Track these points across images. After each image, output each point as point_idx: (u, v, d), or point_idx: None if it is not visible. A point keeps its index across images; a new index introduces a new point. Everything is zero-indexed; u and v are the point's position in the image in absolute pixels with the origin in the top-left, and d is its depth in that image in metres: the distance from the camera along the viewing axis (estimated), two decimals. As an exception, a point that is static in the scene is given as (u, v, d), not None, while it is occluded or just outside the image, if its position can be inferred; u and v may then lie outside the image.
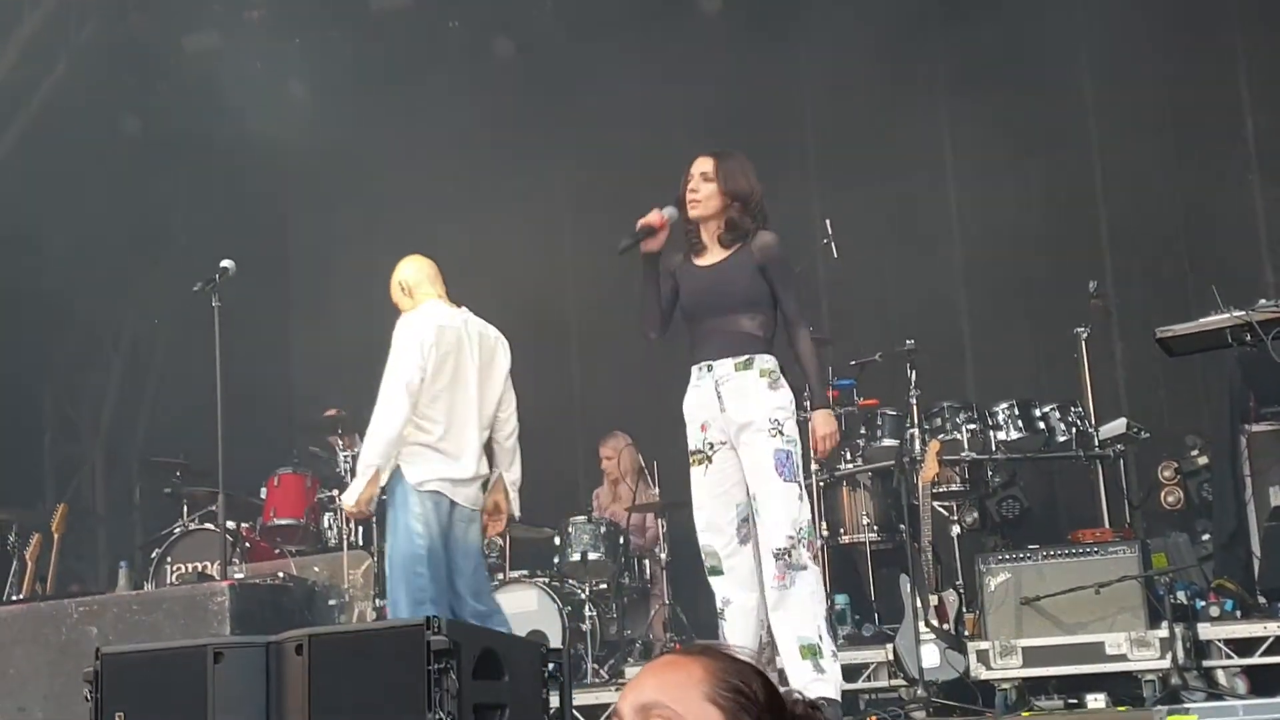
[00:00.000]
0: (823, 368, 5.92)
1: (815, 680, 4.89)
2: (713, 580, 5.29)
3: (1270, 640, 6.17)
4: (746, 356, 5.20)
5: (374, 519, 8.34)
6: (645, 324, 5.42)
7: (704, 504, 5.29)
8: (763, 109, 10.22)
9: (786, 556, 5.05)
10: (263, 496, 8.82)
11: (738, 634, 5.15)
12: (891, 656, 6.71)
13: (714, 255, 5.34)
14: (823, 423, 5.32)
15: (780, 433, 5.13)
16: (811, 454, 5.33)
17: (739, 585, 5.23)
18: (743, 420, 5.17)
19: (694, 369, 5.32)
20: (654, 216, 5.31)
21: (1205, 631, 6.29)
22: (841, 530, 7.76)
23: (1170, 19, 9.02)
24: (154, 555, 8.60)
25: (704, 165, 5.33)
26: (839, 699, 5.14)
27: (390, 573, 6.07)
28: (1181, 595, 6.58)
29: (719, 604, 5.28)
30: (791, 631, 5.02)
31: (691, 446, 5.35)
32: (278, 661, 3.69)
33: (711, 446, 5.26)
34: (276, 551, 8.59)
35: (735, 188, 5.30)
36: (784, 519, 5.08)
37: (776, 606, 5.08)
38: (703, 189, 5.29)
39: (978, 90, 9.54)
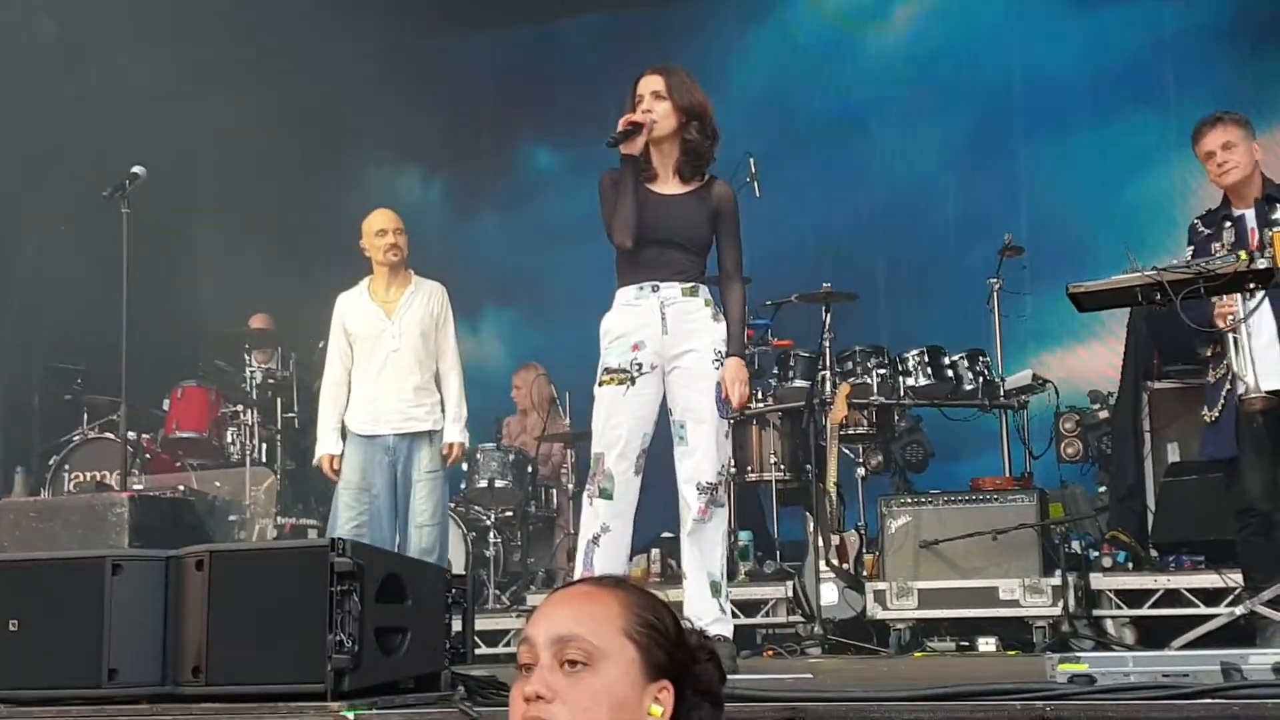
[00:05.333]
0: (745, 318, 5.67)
1: (718, 620, 4.87)
2: (598, 503, 4.98)
3: (1160, 593, 6.33)
4: (693, 284, 5.05)
5: (278, 436, 8.32)
6: (619, 231, 5.00)
7: (619, 424, 4.98)
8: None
9: (713, 491, 4.94)
10: (165, 408, 8.68)
11: (608, 564, 4.95)
12: (792, 593, 6.80)
13: (671, 186, 5.11)
14: (737, 369, 5.07)
15: (721, 365, 5.00)
16: (718, 405, 5.11)
17: (619, 516, 4.98)
18: (686, 345, 5.00)
19: (630, 289, 5.06)
20: (639, 115, 5.02)
21: (1097, 582, 6.44)
22: (749, 468, 7.80)
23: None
24: (52, 462, 8.46)
25: (654, 83, 5.06)
26: (732, 639, 5.10)
27: (433, 519, 6.48)
28: (1076, 545, 6.73)
29: (595, 529, 4.98)
30: (703, 567, 4.95)
31: (614, 364, 5.02)
32: (177, 576, 3.63)
33: (639, 368, 5.00)
34: (177, 464, 8.49)
35: (690, 102, 5.05)
36: (715, 453, 4.97)
37: (694, 540, 4.96)
38: (657, 108, 5.02)
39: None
